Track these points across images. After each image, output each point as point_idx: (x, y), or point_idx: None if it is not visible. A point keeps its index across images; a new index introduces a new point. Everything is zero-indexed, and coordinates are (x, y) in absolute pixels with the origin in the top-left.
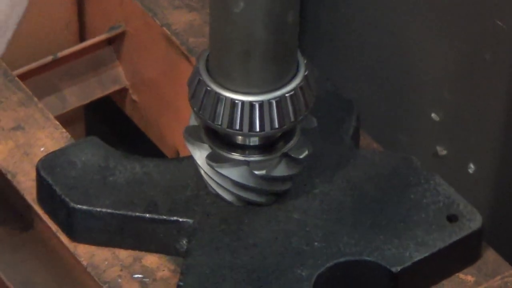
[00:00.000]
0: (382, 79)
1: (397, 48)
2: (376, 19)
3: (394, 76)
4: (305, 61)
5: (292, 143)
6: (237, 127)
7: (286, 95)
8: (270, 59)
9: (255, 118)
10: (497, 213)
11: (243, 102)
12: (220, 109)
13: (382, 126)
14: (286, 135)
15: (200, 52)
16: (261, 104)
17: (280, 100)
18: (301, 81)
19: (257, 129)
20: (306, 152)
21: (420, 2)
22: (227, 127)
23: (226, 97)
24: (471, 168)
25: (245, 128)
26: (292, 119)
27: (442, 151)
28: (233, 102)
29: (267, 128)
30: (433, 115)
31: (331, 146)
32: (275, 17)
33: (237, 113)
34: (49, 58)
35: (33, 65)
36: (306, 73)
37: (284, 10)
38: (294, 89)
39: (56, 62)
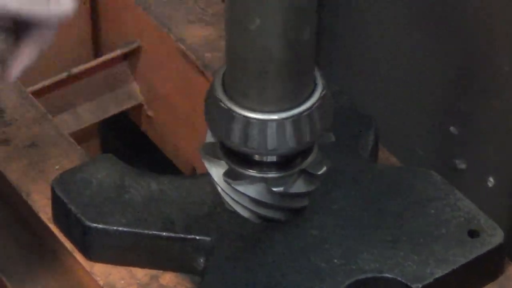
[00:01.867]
0: (399, 93)
1: (414, 61)
2: (392, 33)
3: (411, 90)
4: (322, 80)
5: (310, 159)
6: (252, 145)
7: (302, 114)
8: (286, 77)
9: (269, 137)
10: None
11: (257, 121)
12: (235, 127)
13: (400, 140)
14: (304, 151)
15: (217, 68)
16: (276, 123)
17: (296, 119)
18: (318, 100)
19: (272, 148)
20: (324, 168)
21: (436, 15)
22: (242, 146)
23: (240, 115)
24: (491, 181)
25: (260, 147)
26: (308, 139)
27: (460, 165)
28: (247, 120)
29: (282, 147)
30: (451, 128)
31: (349, 161)
32: (291, 34)
33: (251, 132)
34: (64, 75)
35: (48, 81)
36: (323, 92)
37: (300, 27)
38: (310, 108)
39: (71, 79)
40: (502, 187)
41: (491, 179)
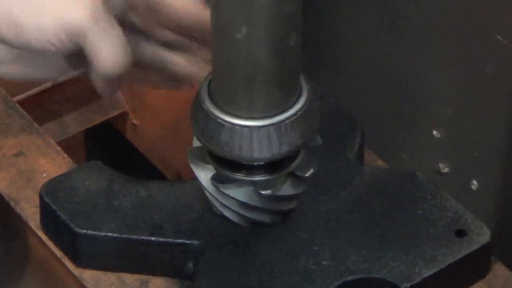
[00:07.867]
0: (382, 97)
1: (398, 65)
2: (377, 37)
3: (395, 94)
4: (308, 86)
5: (297, 161)
6: (237, 152)
7: (287, 120)
8: (273, 84)
9: (254, 143)
10: (501, 229)
11: (242, 127)
12: (221, 134)
13: (383, 144)
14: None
15: (205, 76)
16: (261, 129)
17: (281, 126)
18: (303, 107)
19: (257, 155)
20: (312, 170)
21: (420, 20)
22: (228, 152)
23: (225, 122)
24: (474, 184)
25: (245, 154)
26: (295, 144)
27: (444, 169)
28: (234, 128)
29: (267, 154)
30: (434, 132)
31: (336, 163)
32: (277, 41)
33: (238, 139)
34: (49, 84)
35: (33, 91)
36: (309, 97)
37: (286, 34)
38: (295, 115)
39: (56, 88)
40: (486, 189)
41: (474, 182)
